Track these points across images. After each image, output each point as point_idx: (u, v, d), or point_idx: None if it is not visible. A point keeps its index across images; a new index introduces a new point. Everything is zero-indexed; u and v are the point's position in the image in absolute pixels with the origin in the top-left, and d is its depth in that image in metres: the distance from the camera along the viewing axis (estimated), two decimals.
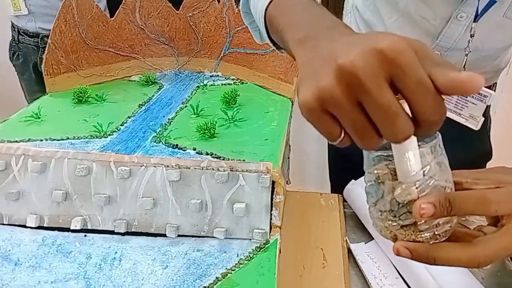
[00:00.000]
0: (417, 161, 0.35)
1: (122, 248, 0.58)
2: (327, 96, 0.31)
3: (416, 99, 0.30)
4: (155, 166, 0.58)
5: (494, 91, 0.91)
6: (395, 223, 0.38)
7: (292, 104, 0.81)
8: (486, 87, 0.86)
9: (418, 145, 0.36)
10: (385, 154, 0.40)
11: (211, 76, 0.91)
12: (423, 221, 0.37)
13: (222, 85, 0.87)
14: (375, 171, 0.38)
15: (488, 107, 0.92)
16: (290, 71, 0.83)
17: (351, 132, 0.32)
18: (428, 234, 0.38)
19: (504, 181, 0.39)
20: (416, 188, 0.36)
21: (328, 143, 1.14)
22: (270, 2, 0.51)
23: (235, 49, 0.90)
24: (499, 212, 0.36)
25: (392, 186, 0.37)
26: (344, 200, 0.84)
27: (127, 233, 0.60)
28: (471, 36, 0.67)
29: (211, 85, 0.87)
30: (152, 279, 0.54)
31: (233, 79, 0.89)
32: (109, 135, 0.68)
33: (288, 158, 0.83)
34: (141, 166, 0.59)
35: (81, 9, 0.84)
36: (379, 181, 0.38)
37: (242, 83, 0.88)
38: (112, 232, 0.60)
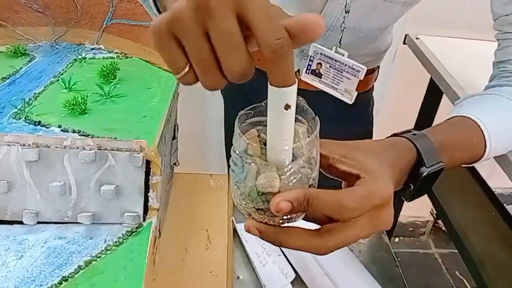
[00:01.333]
0: (291, 125, 0.34)
1: None
2: (176, 18, 0.30)
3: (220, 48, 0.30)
4: (9, 145, 0.52)
5: (378, 74, 0.95)
6: (251, 205, 0.37)
7: None
8: (369, 70, 0.89)
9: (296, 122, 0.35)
10: (257, 120, 0.38)
11: (92, 49, 0.83)
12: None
13: (103, 58, 0.80)
14: (245, 137, 0.36)
15: (370, 90, 0.96)
16: None
17: (194, 62, 0.32)
18: (280, 221, 0.38)
19: (367, 168, 0.39)
20: (280, 180, 0.35)
21: (224, 123, 1.13)
22: None
23: (119, 20, 0.83)
24: (352, 217, 0.37)
25: (257, 171, 0.35)
26: None
27: None
28: (346, 12, 0.68)
29: (91, 58, 0.79)
30: (2, 271, 0.48)
31: (116, 53, 0.83)
32: None
33: (175, 138, 0.79)
34: None
35: None
36: (247, 154, 0.36)
37: (127, 57, 0.82)
38: None
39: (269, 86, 0.32)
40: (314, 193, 0.36)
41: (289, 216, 0.38)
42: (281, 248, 0.70)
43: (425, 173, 0.45)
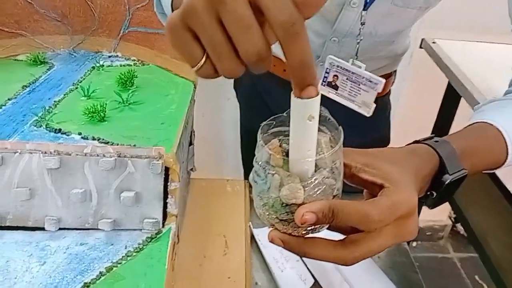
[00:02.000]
0: (314, 136, 0.34)
1: None
2: (188, 10, 0.31)
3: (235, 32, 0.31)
4: (31, 153, 0.53)
5: (395, 79, 0.94)
6: (274, 216, 0.37)
7: (195, 87, 0.77)
8: (386, 74, 0.89)
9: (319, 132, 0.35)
10: (279, 130, 0.38)
11: (109, 57, 0.84)
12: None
13: (120, 66, 0.81)
14: (267, 148, 0.36)
15: (388, 94, 0.96)
16: None
17: (210, 50, 0.31)
18: (304, 232, 0.37)
19: (390, 177, 0.39)
20: (304, 191, 0.35)
21: (240, 127, 1.14)
22: None
23: (136, 28, 0.84)
24: (378, 228, 0.37)
25: (280, 182, 0.35)
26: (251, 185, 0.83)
27: (0, 228, 0.53)
28: (362, 24, 0.68)
29: (109, 66, 0.81)
30: (26, 277, 0.49)
31: (133, 60, 0.84)
32: None
33: (192, 144, 0.79)
34: (14, 152, 0.52)
35: None
36: (270, 165, 0.36)
37: (143, 64, 0.83)
38: None
39: (292, 97, 0.32)
40: (339, 205, 0.35)
41: (313, 227, 0.37)
42: None
43: (448, 181, 0.45)
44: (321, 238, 0.39)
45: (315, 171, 0.35)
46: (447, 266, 1.81)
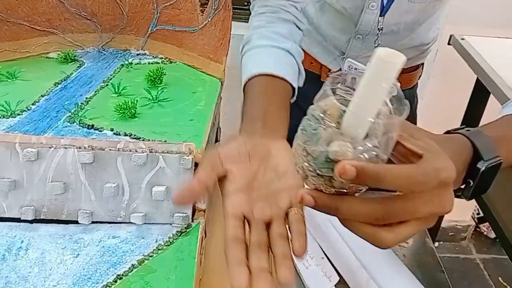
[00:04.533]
0: (380, 100, 0.33)
1: (30, 237, 0.54)
2: None
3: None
4: (65, 148, 0.54)
5: (422, 73, 0.94)
6: (311, 168, 0.36)
7: (222, 85, 0.78)
8: (413, 66, 0.90)
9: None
10: (344, 91, 0.37)
11: (137, 55, 0.86)
12: (340, 180, 0.35)
13: (148, 63, 0.82)
14: (324, 104, 0.36)
15: (415, 86, 0.96)
16: (219, 50, 0.80)
17: None
18: (334, 190, 0.36)
19: (431, 149, 0.38)
20: (353, 152, 0.34)
21: None
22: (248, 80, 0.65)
23: (163, 26, 0.85)
24: (422, 190, 0.35)
25: (331, 136, 0.35)
26: None
27: (35, 221, 0.55)
28: (379, 30, 0.71)
29: (137, 63, 0.82)
30: (61, 269, 0.50)
31: (161, 58, 0.85)
32: (18, 114, 0.63)
33: (218, 140, 0.80)
34: (50, 147, 0.54)
35: None
36: (322, 117, 0.35)
37: (171, 62, 0.84)
38: (18, 220, 0.55)
39: (375, 53, 0.31)
40: (386, 169, 0.34)
41: (346, 189, 0.36)
42: (324, 251, 0.70)
43: (484, 168, 0.44)
44: (353, 197, 0.37)
45: (367, 137, 0.35)
46: (470, 267, 1.78)
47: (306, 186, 0.38)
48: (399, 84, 0.36)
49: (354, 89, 0.36)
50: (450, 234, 1.87)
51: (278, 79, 0.65)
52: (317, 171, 0.35)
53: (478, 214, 1.87)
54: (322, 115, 0.35)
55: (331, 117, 0.35)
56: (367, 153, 0.34)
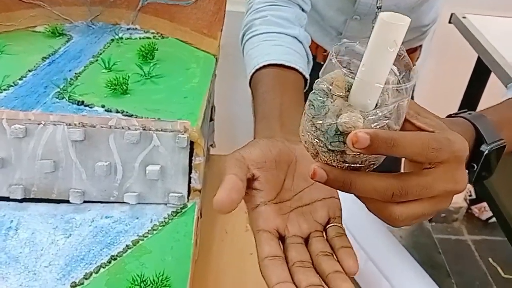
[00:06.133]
0: (388, 67, 0.32)
1: (19, 216, 0.52)
2: None
3: None
4: (55, 124, 0.52)
5: (419, 54, 0.92)
6: (321, 144, 0.34)
7: (216, 61, 0.76)
8: (411, 48, 0.88)
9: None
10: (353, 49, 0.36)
11: (128, 29, 0.82)
12: (352, 153, 0.33)
13: (139, 38, 0.79)
14: (330, 76, 0.34)
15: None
16: (214, 24, 0.77)
17: None
18: (347, 165, 0.34)
19: (440, 126, 0.36)
20: (364, 123, 0.32)
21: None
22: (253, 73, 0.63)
23: (155, 0, 0.82)
24: (436, 159, 0.34)
25: (340, 108, 0.33)
26: None
27: (24, 200, 0.53)
28: (378, 8, 0.69)
29: (127, 38, 0.79)
30: (52, 249, 0.48)
31: (152, 33, 0.82)
32: (4, 90, 0.60)
33: (212, 119, 0.78)
34: (38, 124, 0.52)
35: None
36: (330, 89, 0.34)
37: (163, 37, 0.81)
38: (7, 199, 0.53)
39: (379, 17, 0.30)
40: (401, 135, 0.32)
41: (359, 163, 0.34)
42: None
43: (487, 150, 0.44)
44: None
45: (377, 107, 0.33)
46: (461, 248, 1.80)
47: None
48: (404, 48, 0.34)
49: (359, 60, 0.34)
50: (442, 215, 1.89)
51: (289, 69, 0.62)
52: (328, 146, 0.34)
53: (470, 196, 1.88)
54: (330, 87, 0.34)
55: (339, 88, 0.33)
56: (378, 123, 0.33)
